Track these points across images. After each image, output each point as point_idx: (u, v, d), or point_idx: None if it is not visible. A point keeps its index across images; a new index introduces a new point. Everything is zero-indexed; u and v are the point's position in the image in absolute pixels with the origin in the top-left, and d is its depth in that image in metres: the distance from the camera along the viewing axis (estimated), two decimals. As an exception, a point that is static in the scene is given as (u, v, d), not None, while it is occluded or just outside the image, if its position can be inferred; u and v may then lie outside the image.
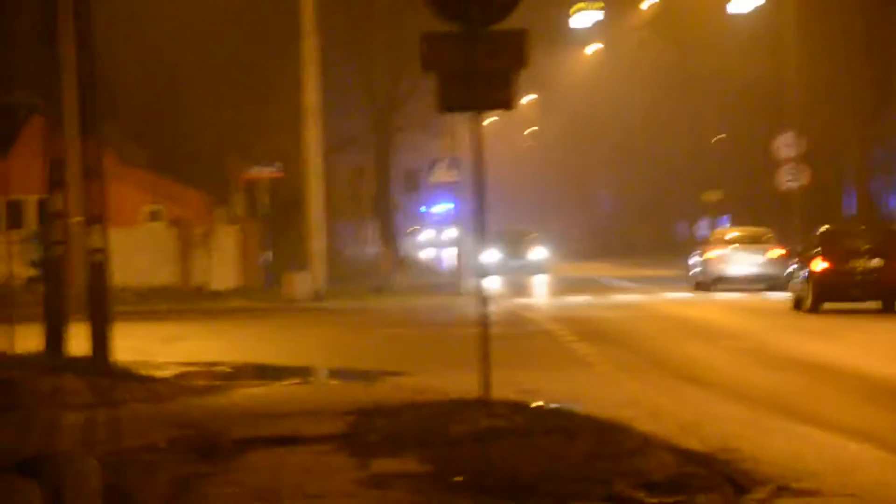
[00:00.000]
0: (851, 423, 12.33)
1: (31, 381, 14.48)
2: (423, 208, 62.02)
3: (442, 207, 59.98)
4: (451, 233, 56.22)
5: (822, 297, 28.04)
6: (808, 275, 28.27)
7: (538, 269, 51.64)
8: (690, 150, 72.81)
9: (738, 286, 36.34)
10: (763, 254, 36.63)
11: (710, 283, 36.90)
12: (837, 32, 49.64)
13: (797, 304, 28.84)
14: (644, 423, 11.89)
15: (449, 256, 52.96)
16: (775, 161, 46.74)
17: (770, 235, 38.16)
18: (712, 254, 37.36)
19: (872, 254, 28.34)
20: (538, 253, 53.54)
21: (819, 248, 28.66)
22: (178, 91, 47.55)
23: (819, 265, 28.12)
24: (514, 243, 52.80)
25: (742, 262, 36.97)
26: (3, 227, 35.87)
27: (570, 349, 20.41)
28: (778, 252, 35.40)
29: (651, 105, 75.89)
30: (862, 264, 28.24)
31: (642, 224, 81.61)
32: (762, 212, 63.71)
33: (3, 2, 40.58)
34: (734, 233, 39.75)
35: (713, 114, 68.09)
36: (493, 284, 39.78)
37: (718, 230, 43.31)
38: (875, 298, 28.19)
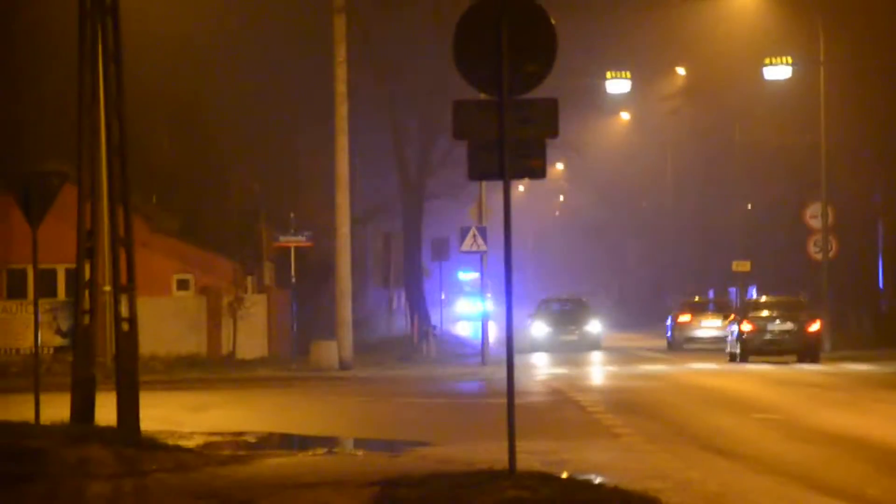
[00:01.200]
0: (879, 497, 12.24)
1: (57, 451, 14.50)
2: (459, 275, 59.70)
3: (474, 276, 57.84)
4: (480, 302, 51.83)
5: (747, 352, 36.63)
6: (738, 334, 36.79)
7: (593, 343, 45.66)
8: (721, 218, 72.73)
9: (702, 345, 46.63)
10: (721, 320, 44.68)
11: (681, 342, 47.51)
12: (868, 101, 49.66)
13: (731, 358, 37.14)
14: (671, 496, 11.83)
15: (477, 326, 47.22)
16: (805, 230, 46.67)
17: (728, 303, 49.79)
18: (682, 319, 48.08)
19: (785, 318, 36.90)
20: (593, 325, 46.92)
21: (745, 314, 37.22)
22: (209, 159, 47.87)
23: (745, 327, 36.71)
24: (566, 314, 47.06)
25: (705, 326, 47.77)
26: (32, 295, 36.08)
27: (598, 420, 20.33)
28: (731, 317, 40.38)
29: (682, 172, 75.93)
30: (778, 327, 36.92)
31: (672, 292, 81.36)
32: (792, 281, 63.54)
33: (37, 71, 41.01)
34: (698, 302, 50.95)
35: (744, 183, 68.07)
36: (539, 362, 37.70)
37: (686, 300, 52.19)
38: (788, 354, 36.70)
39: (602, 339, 46.54)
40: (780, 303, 38.68)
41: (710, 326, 46.78)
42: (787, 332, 36.97)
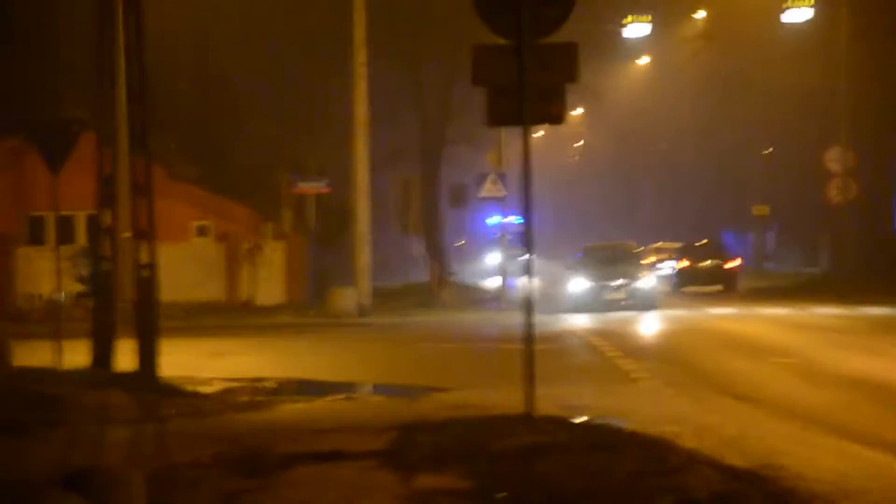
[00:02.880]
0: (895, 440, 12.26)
1: (78, 397, 14.60)
2: (489, 221, 55.62)
3: (497, 220, 53.61)
4: (501, 250, 43.80)
5: (682, 283, 48.47)
6: (676, 270, 49.57)
7: (647, 303, 36.02)
8: (740, 162, 72.52)
9: (698, 289, 48.97)
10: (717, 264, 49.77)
11: (679, 287, 49.60)
12: (888, 44, 49.32)
13: (672, 287, 47.76)
14: (689, 440, 11.87)
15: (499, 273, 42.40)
16: (825, 174, 46.55)
17: (723, 247, 53.04)
18: (681, 264, 50.34)
19: (712, 257, 49.22)
20: (646, 280, 36.90)
21: (682, 255, 50.22)
22: (227, 106, 47.81)
23: (681, 264, 49.65)
24: (612, 266, 37.11)
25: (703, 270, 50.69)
26: (53, 242, 36.20)
27: (615, 365, 20.37)
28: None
29: (702, 116, 75.67)
30: (704, 263, 48.91)
31: (690, 236, 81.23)
32: (812, 224, 63.35)
33: (54, 18, 40.95)
34: (698, 247, 52.87)
35: (764, 126, 67.80)
36: (580, 325, 30.33)
37: (686, 244, 55.09)
38: (712, 285, 47.75)
39: (658, 297, 37.07)
40: (708, 245, 51.00)
41: (708, 270, 50.28)
42: (712, 268, 48.82)
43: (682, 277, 48.99)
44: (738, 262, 50.21)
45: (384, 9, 42.62)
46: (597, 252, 38.95)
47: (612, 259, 37.72)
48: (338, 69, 39.69)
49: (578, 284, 36.57)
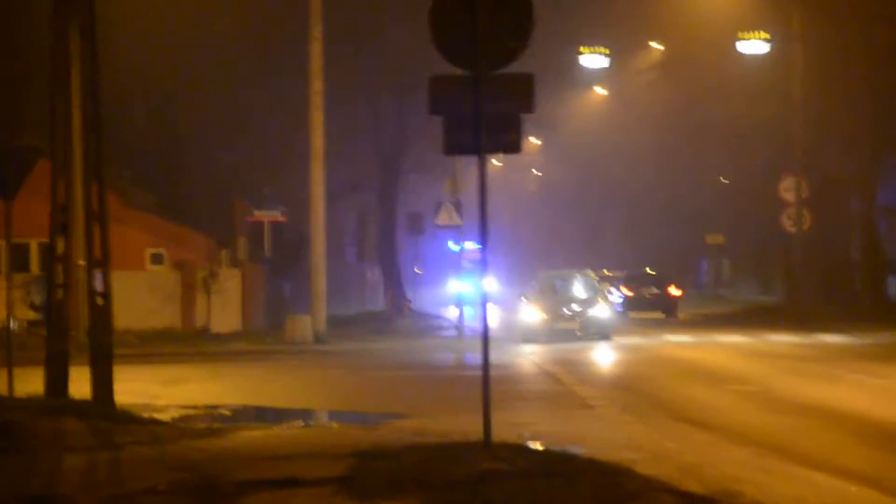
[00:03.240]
0: (852, 466, 12.30)
1: (32, 424, 14.47)
2: (451, 246, 54.74)
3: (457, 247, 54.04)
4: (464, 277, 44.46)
5: (627, 309, 52.36)
6: (623, 297, 53.70)
7: (601, 331, 34.74)
8: (696, 193, 72.90)
9: (643, 315, 52.79)
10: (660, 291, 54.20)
11: (625, 313, 52.48)
12: (843, 75, 49.75)
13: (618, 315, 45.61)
14: (646, 466, 11.86)
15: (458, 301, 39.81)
16: (779, 204, 46.84)
17: (668, 275, 56.47)
18: (626, 292, 54.63)
19: (655, 285, 53.91)
20: (601, 309, 35.34)
21: (626, 283, 54.87)
22: (184, 135, 47.72)
23: (626, 292, 54.25)
24: (567, 294, 35.67)
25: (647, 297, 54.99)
26: (5, 270, 35.94)
27: (573, 391, 20.38)
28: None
29: (658, 147, 76.04)
30: (648, 291, 53.74)
31: (648, 264, 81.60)
32: (767, 252, 63.69)
33: (13, 46, 40.78)
34: (641, 276, 57.53)
35: (720, 156, 68.21)
36: (532, 357, 29.05)
37: (629, 273, 59.87)
38: (655, 311, 52.20)
39: (613, 327, 35.51)
40: (651, 275, 55.89)
41: (651, 297, 54.52)
42: (654, 295, 53.37)
43: (628, 304, 53.28)
44: (679, 291, 54.77)
45: (341, 39, 42.67)
46: (551, 280, 37.15)
47: (567, 287, 36.22)
48: (294, 98, 39.66)
49: (531, 314, 35.02)
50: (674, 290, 53.92)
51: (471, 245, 44.97)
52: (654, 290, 53.77)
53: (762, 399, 18.98)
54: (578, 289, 36.00)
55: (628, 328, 42.21)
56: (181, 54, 44.73)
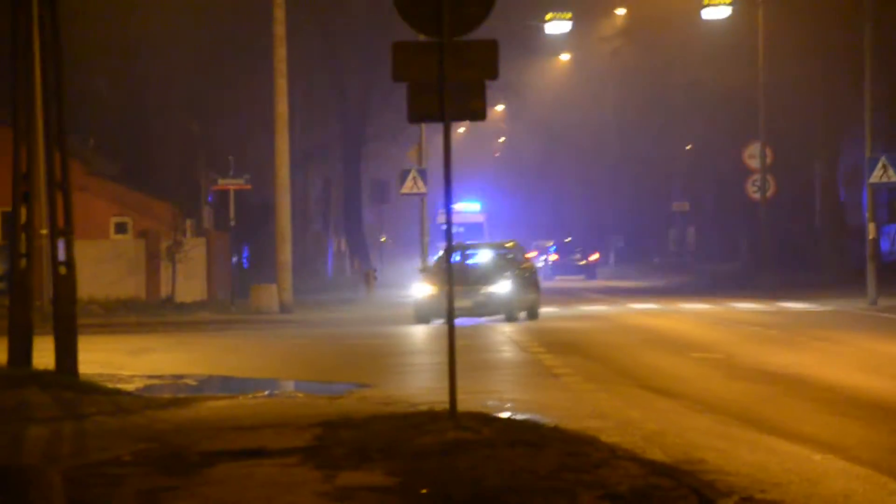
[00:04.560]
0: (816, 434, 12.38)
1: (-5, 395, 14.41)
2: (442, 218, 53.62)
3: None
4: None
5: (554, 273, 64.69)
6: (548, 261, 66.77)
7: (500, 309, 30.36)
8: (661, 159, 73.04)
9: (567, 277, 63.40)
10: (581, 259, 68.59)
11: (552, 277, 65.30)
12: (806, 42, 49.86)
13: (545, 275, 55.04)
14: (611, 435, 11.91)
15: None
16: (744, 171, 47.00)
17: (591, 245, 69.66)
18: (552, 258, 69.35)
19: (578, 253, 67.09)
20: (502, 285, 30.40)
21: (554, 249, 68.09)
22: (148, 102, 47.45)
23: (552, 257, 67.54)
24: (468, 269, 31.29)
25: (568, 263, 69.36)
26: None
27: (538, 360, 20.43)
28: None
29: (623, 114, 76.09)
30: (572, 258, 66.60)
31: (616, 233, 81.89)
32: (733, 220, 63.87)
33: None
34: (566, 243, 71.99)
35: (686, 123, 68.33)
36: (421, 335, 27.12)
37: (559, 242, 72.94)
38: (578, 274, 64.62)
39: (516, 304, 30.54)
40: (573, 242, 69.68)
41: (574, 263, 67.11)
42: (577, 259, 67.01)
43: (554, 269, 66.38)
44: (596, 255, 68.05)
45: (305, 6, 42.50)
46: (458, 252, 32.28)
47: (470, 261, 32.17)
48: (259, 66, 39.50)
49: (422, 290, 30.40)
50: (593, 257, 67.35)
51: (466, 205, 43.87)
52: (577, 257, 66.77)
53: (725, 367, 19.08)
54: (484, 263, 31.92)
55: (590, 298, 42.29)
56: (144, 20, 44.45)
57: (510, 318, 30.09)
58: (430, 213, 41.86)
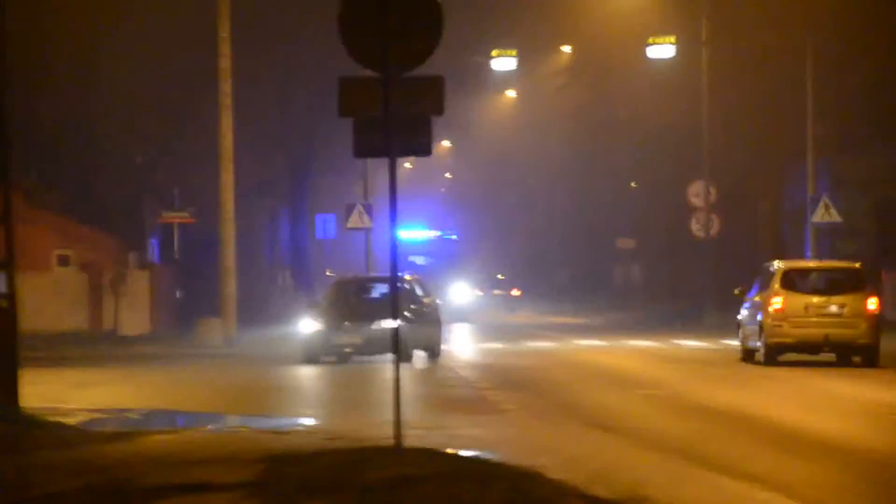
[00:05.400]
0: (760, 471, 12.42)
1: (-65, 429, 14.23)
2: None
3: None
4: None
5: (481, 308, 65.58)
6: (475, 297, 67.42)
7: (387, 348, 26.29)
8: (607, 196, 73.41)
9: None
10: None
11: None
12: (750, 82, 50.32)
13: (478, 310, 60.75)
14: (557, 471, 11.91)
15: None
16: (689, 209, 47.30)
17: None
18: (496, 291, 75.81)
19: (499, 287, 70.96)
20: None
21: (478, 285, 69.12)
22: (92, 134, 47.23)
23: (477, 292, 66.68)
24: (363, 302, 29.30)
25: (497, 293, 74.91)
26: None
27: (484, 396, 20.42)
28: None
29: (570, 150, 76.43)
30: (494, 292, 70.63)
31: (560, 270, 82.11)
32: (678, 257, 64.19)
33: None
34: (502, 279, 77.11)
35: (630, 160, 68.71)
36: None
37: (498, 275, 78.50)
38: (499, 309, 67.07)
39: (411, 341, 27.54)
40: (500, 278, 74.26)
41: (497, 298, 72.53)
42: (498, 296, 73.08)
43: (481, 303, 68.72)
44: (519, 292, 73.26)
45: (252, 40, 42.47)
46: (350, 286, 30.32)
47: (363, 295, 29.83)
48: (206, 97, 39.40)
49: (309, 326, 28.34)
50: (514, 293, 72.26)
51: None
52: (498, 292, 71.08)
53: (671, 403, 19.13)
54: (378, 298, 29.44)
55: (536, 333, 42.38)
56: (90, 53, 44.28)
57: (403, 357, 23.78)
58: (374, 246, 41.96)
